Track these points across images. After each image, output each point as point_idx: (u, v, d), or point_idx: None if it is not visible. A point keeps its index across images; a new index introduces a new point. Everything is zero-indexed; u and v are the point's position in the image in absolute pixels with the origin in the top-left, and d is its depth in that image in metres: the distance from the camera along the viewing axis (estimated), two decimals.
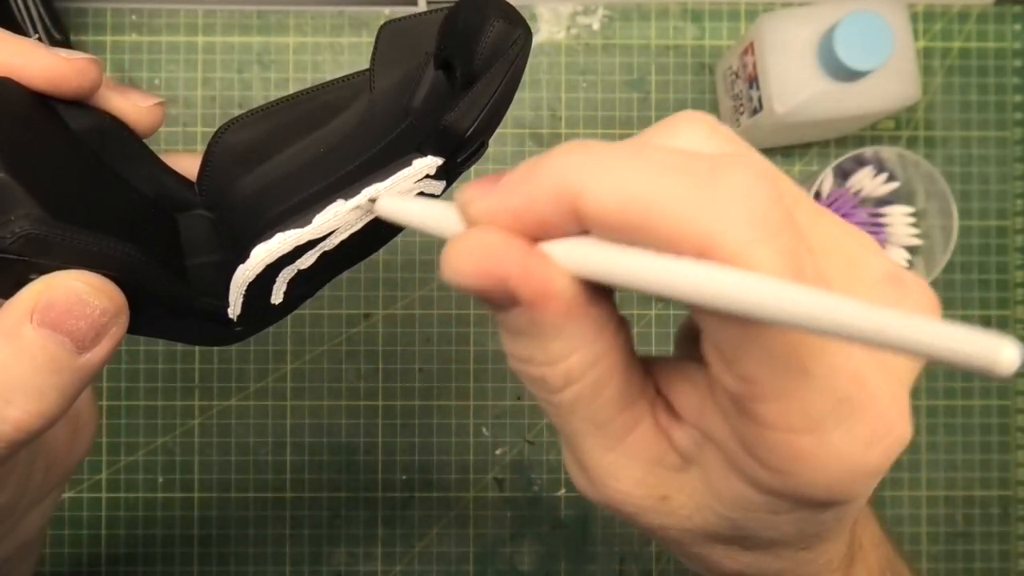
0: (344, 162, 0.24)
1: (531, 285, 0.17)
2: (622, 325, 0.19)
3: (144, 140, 0.25)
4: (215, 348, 0.52)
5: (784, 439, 0.17)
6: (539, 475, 0.54)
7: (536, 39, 0.54)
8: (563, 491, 0.54)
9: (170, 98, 0.53)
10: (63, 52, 0.22)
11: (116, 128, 0.24)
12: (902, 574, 0.27)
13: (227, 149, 0.25)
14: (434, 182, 0.24)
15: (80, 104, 0.23)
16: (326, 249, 0.24)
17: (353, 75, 0.25)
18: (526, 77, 0.54)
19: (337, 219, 0.23)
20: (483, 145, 0.24)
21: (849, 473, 0.17)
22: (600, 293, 0.18)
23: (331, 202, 0.23)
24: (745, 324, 0.16)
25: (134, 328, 0.23)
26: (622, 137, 0.54)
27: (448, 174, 0.24)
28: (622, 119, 0.54)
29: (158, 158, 0.25)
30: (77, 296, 0.20)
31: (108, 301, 0.20)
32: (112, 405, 0.52)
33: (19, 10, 0.47)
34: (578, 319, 0.18)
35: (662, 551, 0.54)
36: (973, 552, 0.54)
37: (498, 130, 0.58)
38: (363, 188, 0.23)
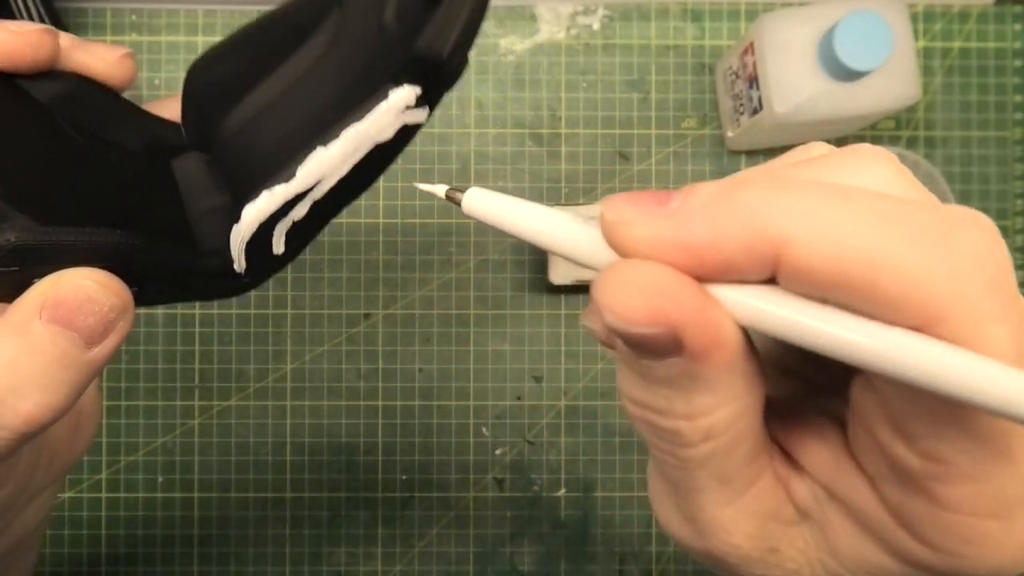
0: (322, 91, 0.23)
1: (706, 334, 0.15)
2: (764, 376, 0.17)
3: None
4: (215, 348, 0.52)
5: (965, 522, 0.15)
6: (539, 475, 0.54)
7: (536, 39, 0.54)
8: (563, 491, 0.54)
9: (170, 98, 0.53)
10: (12, 25, 0.22)
11: (88, 89, 0.24)
12: None
13: (205, 86, 0.24)
14: (416, 111, 0.23)
15: (44, 74, 0.23)
16: (316, 198, 0.23)
17: None
18: (526, 77, 0.54)
19: (320, 168, 0.22)
20: (464, 61, 0.22)
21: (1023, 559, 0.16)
22: (752, 343, 0.16)
23: (311, 151, 0.22)
24: (945, 402, 0.14)
25: (143, 304, 0.23)
26: (622, 137, 0.54)
27: (430, 99, 0.23)
28: (622, 119, 0.54)
29: (138, 107, 0.25)
30: (86, 294, 0.20)
31: (116, 298, 0.21)
32: (112, 405, 0.52)
33: (19, 10, 0.47)
34: (736, 373, 0.16)
35: (662, 551, 0.54)
36: None
37: (498, 130, 0.57)
38: (341, 130, 0.22)
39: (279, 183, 0.22)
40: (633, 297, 0.15)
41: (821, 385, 0.19)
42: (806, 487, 0.18)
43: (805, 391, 0.20)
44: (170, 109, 0.25)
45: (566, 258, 0.17)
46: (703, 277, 0.15)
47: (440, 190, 0.21)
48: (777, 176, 0.15)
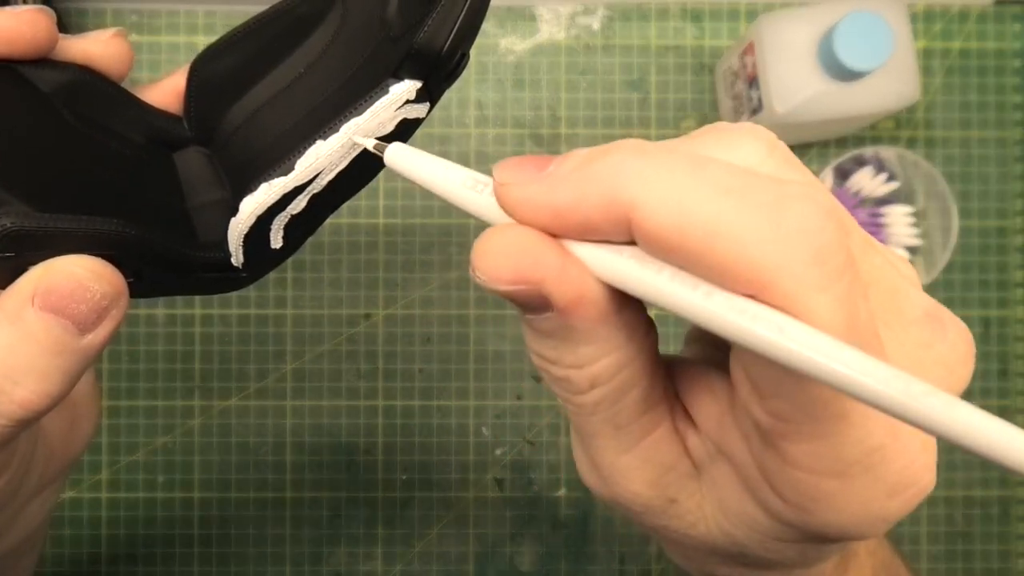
0: (324, 85, 0.23)
1: (567, 291, 0.16)
2: (651, 328, 0.19)
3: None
4: (215, 348, 0.52)
5: (808, 479, 0.16)
6: (539, 475, 0.54)
7: (536, 39, 0.54)
8: (563, 491, 0.54)
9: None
10: (8, 8, 0.22)
11: (88, 79, 0.24)
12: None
13: (208, 80, 0.24)
14: (416, 106, 0.23)
15: (44, 62, 0.23)
16: (315, 192, 0.23)
17: None
18: (526, 77, 0.54)
19: (319, 161, 0.22)
20: (464, 57, 0.23)
21: (868, 519, 0.17)
22: (631, 297, 0.17)
23: (311, 144, 0.22)
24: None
25: (141, 294, 0.23)
26: (622, 137, 0.54)
27: (431, 94, 0.23)
28: (622, 119, 0.54)
29: (140, 100, 0.24)
30: (78, 282, 0.20)
31: (108, 285, 0.21)
32: (112, 405, 0.52)
33: None
34: (609, 325, 0.17)
35: (662, 551, 0.54)
36: (973, 552, 0.54)
37: (498, 130, 0.57)
38: (341, 124, 0.22)
39: (278, 175, 0.22)
40: (497, 258, 0.16)
41: (720, 344, 0.20)
42: (701, 442, 0.19)
43: (713, 351, 0.21)
44: (154, 93, 0.25)
45: (472, 215, 0.18)
46: (572, 237, 0.16)
47: (370, 143, 0.22)
48: (641, 144, 0.16)
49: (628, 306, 0.17)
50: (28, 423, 0.21)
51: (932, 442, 0.17)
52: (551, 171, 0.16)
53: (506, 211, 0.17)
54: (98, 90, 0.24)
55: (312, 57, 0.24)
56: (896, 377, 0.13)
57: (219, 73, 0.25)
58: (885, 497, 0.16)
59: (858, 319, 0.15)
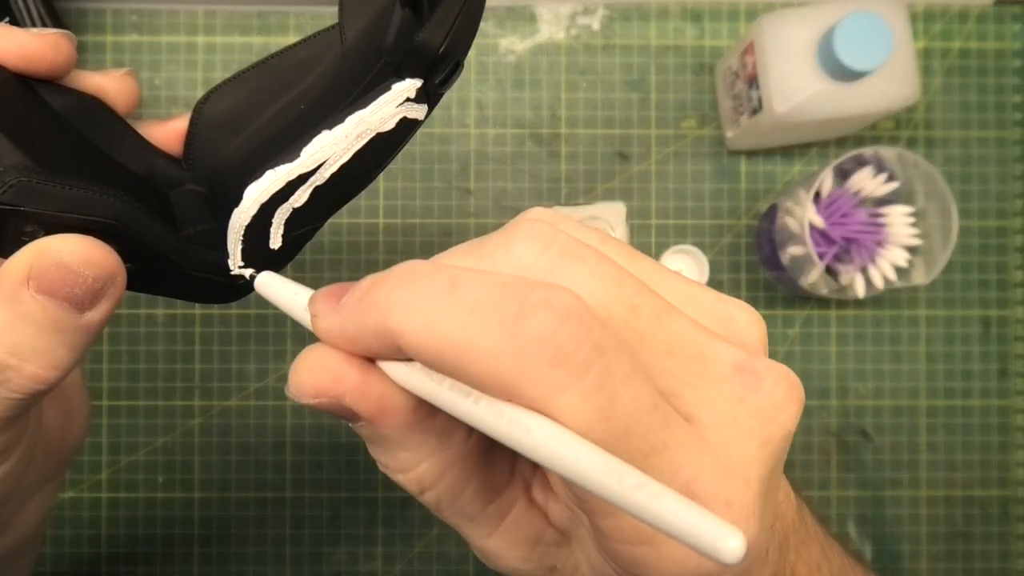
0: (326, 111, 0.24)
1: (367, 403, 0.18)
2: (463, 429, 0.20)
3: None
4: (215, 348, 0.52)
5: (623, 548, 0.17)
6: None
7: (536, 39, 0.54)
8: None
9: (170, 98, 0.53)
10: (34, 30, 0.23)
11: (97, 107, 0.24)
12: None
13: (209, 121, 0.25)
14: (416, 105, 0.24)
15: (58, 85, 0.24)
16: (317, 184, 0.24)
17: (323, 31, 0.25)
18: (526, 77, 0.54)
19: (324, 150, 0.23)
20: (458, 65, 0.24)
21: (688, 574, 0.17)
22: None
23: (317, 134, 0.23)
24: None
25: (138, 285, 0.23)
26: (622, 137, 0.54)
27: (429, 97, 0.24)
28: (622, 119, 0.54)
29: (142, 137, 0.25)
30: (68, 267, 0.20)
31: (99, 268, 0.21)
32: (112, 405, 0.52)
33: (19, 10, 0.47)
34: (420, 432, 0.19)
35: None
36: (973, 552, 0.54)
37: (498, 130, 0.57)
38: (347, 117, 0.23)
39: (283, 163, 0.23)
40: (301, 375, 0.18)
41: None
42: (562, 509, 0.20)
43: None
44: (157, 132, 0.26)
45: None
46: (370, 357, 0.18)
47: (247, 272, 0.25)
48: (411, 270, 0.17)
49: (441, 412, 0.18)
50: (39, 396, 0.21)
51: (744, 495, 0.17)
52: (343, 303, 0.18)
53: (321, 339, 0.19)
54: (104, 119, 0.25)
55: (315, 94, 0.25)
56: (613, 472, 0.14)
57: (220, 113, 0.25)
58: (696, 555, 0.17)
59: (615, 407, 0.16)
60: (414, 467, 0.19)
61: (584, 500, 0.17)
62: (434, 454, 0.19)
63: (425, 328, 0.16)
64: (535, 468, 0.21)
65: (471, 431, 0.20)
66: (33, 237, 0.21)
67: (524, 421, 0.15)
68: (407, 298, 0.17)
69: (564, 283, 0.17)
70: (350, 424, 0.19)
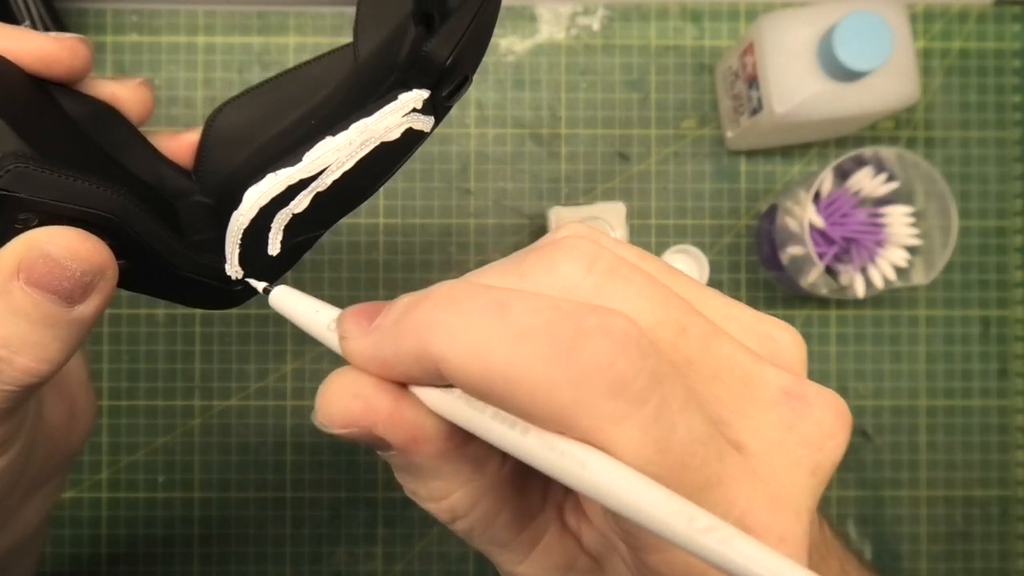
0: (334, 123, 0.24)
1: (399, 432, 0.17)
2: (498, 457, 0.19)
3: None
4: (215, 348, 0.52)
5: None
6: None
7: (536, 39, 0.54)
8: None
9: (170, 98, 0.53)
10: (53, 34, 0.23)
11: (111, 115, 0.24)
12: None
13: (221, 135, 0.25)
14: (422, 116, 0.23)
15: (73, 91, 0.24)
16: (319, 190, 0.23)
17: (337, 49, 0.25)
18: (526, 77, 0.54)
19: (327, 155, 0.23)
20: (467, 79, 0.24)
21: None
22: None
23: (320, 139, 0.23)
24: None
25: (132, 284, 0.23)
26: (622, 137, 0.54)
27: (436, 109, 0.24)
28: (622, 119, 0.54)
29: (153, 147, 0.25)
30: (55, 260, 0.20)
31: (87, 263, 0.21)
32: (112, 405, 0.52)
33: (20, 10, 0.47)
34: (453, 460, 0.18)
35: None
36: (973, 552, 0.54)
37: (498, 130, 0.57)
38: (351, 123, 0.23)
39: (284, 167, 0.23)
40: (330, 403, 0.17)
41: None
42: (595, 535, 0.20)
43: None
44: (169, 143, 0.26)
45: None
46: (405, 383, 0.17)
47: (260, 285, 0.24)
48: (451, 292, 0.16)
49: (474, 440, 0.17)
50: (34, 388, 0.21)
51: (794, 526, 0.17)
52: (377, 324, 0.17)
53: (350, 362, 0.18)
54: (117, 127, 0.25)
55: (327, 110, 0.25)
56: (681, 512, 0.14)
57: (232, 127, 0.25)
58: None
59: (672, 439, 0.15)
60: (446, 496, 0.18)
61: (632, 535, 0.16)
62: (467, 483, 0.18)
63: (471, 353, 0.15)
64: (567, 492, 0.20)
65: (506, 458, 0.19)
66: (27, 226, 0.21)
67: (579, 455, 0.15)
68: (451, 321, 0.16)
69: (612, 305, 0.16)
70: (378, 452, 0.18)
